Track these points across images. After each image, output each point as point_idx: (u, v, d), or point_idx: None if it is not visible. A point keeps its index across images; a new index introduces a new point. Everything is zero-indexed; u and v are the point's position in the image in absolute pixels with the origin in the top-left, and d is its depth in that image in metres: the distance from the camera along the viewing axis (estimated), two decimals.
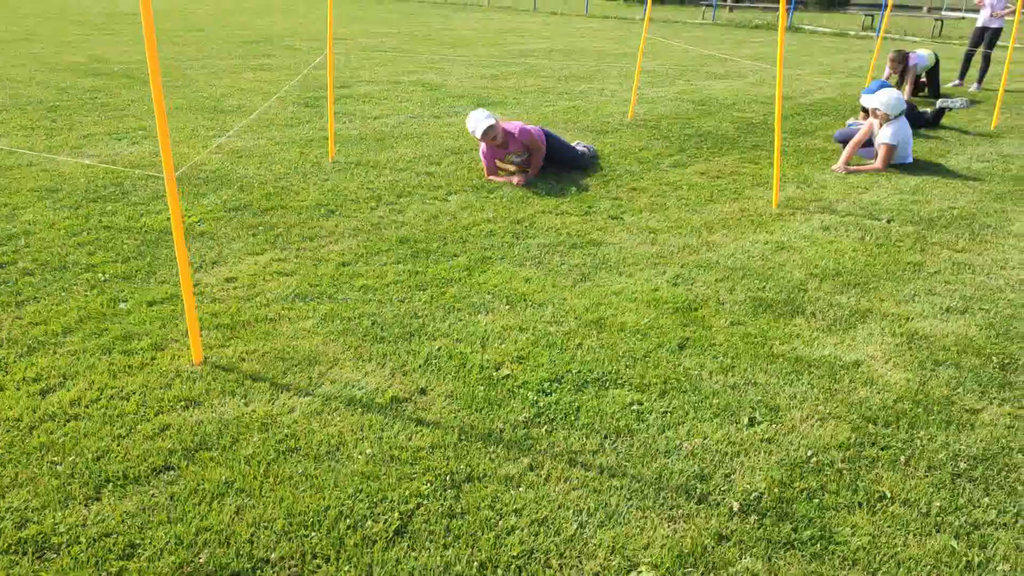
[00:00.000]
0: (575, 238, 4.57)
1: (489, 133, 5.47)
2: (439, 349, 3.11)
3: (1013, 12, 10.26)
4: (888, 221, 5.10)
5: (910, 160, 6.55)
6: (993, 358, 3.22)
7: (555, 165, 6.00)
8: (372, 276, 3.85)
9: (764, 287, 3.92)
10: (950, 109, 8.45)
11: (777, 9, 26.60)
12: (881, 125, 6.42)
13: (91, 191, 5.09)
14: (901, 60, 9.21)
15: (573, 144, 6.23)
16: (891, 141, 6.30)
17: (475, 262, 4.11)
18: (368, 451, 2.42)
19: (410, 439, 2.51)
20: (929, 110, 8.36)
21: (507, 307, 3.56)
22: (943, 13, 26.63)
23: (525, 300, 3.65)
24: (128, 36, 14.96)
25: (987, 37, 10.98)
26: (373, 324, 3.31)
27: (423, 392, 2.80)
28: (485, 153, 5.70)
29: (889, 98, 6.30)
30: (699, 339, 3.30)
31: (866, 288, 3.95)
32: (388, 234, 4.49)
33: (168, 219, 4.60)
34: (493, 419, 2.64)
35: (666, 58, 14.41)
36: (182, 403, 2.67)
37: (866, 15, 23.84)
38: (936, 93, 10.05)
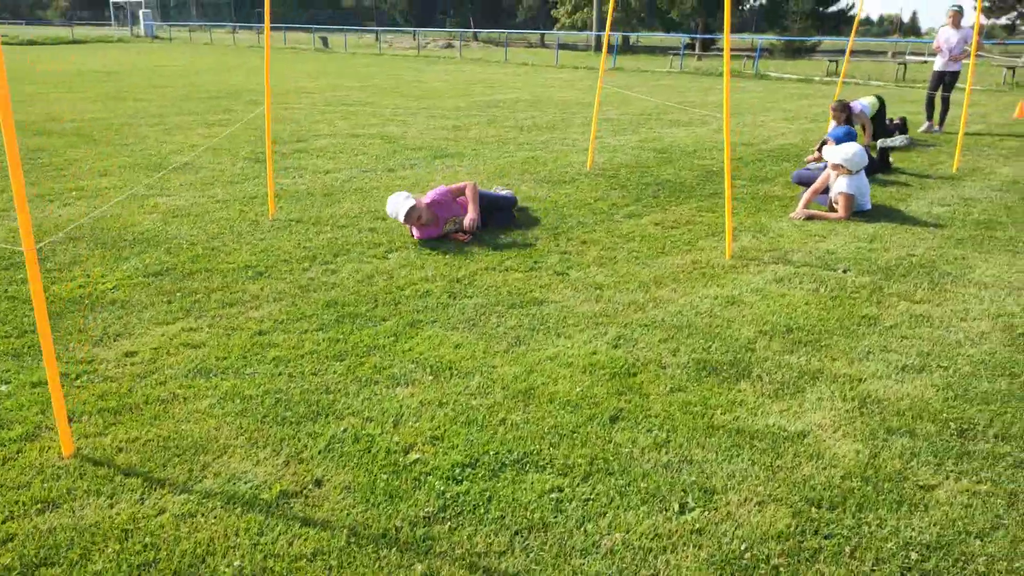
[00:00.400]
0: (516, 296, 4.32)
1: (412, 215, 5.20)
2: (345, 430, 2.82)
3: (968, 56, 10.35)
4: (844, 271, 4.91)
5: (868, 207, 6.41)
6: (950, 423, 2.97)
7: (487, 217, 5.79)
8: (288, 346, 3.56)
9: (710, 347, 3.67)
10: (892, 148, 8.41)
11: (744, 57, 27.07)
12: (838, 176, 6.29)
13: (3, 259, 4.79)
14: (843, 109, 9.13)
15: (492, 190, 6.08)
16: (849, 191, 6.17)
17: (404, 327, 3.84)
18: (237, 563, 2.11)
19: (291, 544, 2.20)
20: (874, 155, 8.28)
21: (430, 378, 3.28)
22: (907, 57, 27.21)
23: (451, 369, 3.37)
24: (91, 93, 14.80)
25: (946, 80, 11.06)
26: (277, 402, 3.02)
27: (318, 484, 2.50)
28: (419, 236, 5.45)
29: (852, 154, 6.17)
30: (634, 410, 3.03)
31: (817, 346, 3.72)
32: (315, 297, 4.22)
33: (81, 287, 4.31)
34: (391, 515, 2.35)
35: (631, 106, 14.43)
36: (38, 506, 2.35)
37: (831, 61, 24.28)
38: (876, 136, 9.97)
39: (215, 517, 2.31)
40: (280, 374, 3.27)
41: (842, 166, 6.17)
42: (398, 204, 5.20)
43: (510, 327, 3.88)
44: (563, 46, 41.41)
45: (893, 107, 15.02)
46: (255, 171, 7.78)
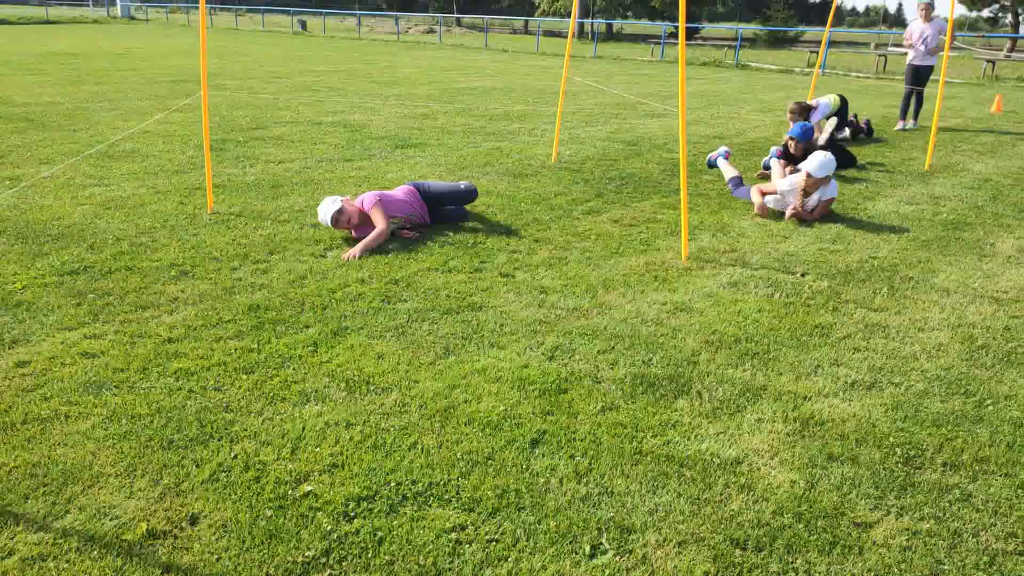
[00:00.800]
0: (454, 301, 4.07)
1: (341, 220, 4.93)
2: (236, 457, 2.57)
3: (942, 48, 10.16)
4: (802, 275, 4.70)
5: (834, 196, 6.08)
6: (896, 449, 2.77)
7: (444, 214, 5.54)
8: (195, 356, 3.30)
9: (651, 360, 3.45)
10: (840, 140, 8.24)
11: (726, 47, 26.83)
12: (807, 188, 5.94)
13: None
14: (802, 112, 8.87)
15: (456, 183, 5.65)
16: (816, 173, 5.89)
17: (327, 334, 3.58)
18: None
19: None
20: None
21: (344, 394, 3.04)
22: (888, 49, 27.09)
23: (368, 384, 3.13)
24: (51, 76, 14.33)
25: (920, 75, 10.84)
26: (167, 423, 2.76)
27: (193, 521, 2.25)
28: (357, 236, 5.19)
29: (820, 163, 5.83)
30: (558, 432, 2.80)
31: (765, 359, 3.50)
32: (238, 300, 3.95)
33: None
34: (266, 560, 2.10)
35: (606, 96, 14.17)
36: None
37: (811, 52, 24.08)
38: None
39: (67, 562, 2.06)
40: (179, 389, 3.01)
41: (811, 175, 5.84)
42: (325, 210, 4.95)
43: (441, 335, 3.64)
44: (548, 32, 41.03)
45: (871, 100, 14.87)
46: (212, 161, 7.46)
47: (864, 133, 9.93)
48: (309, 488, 2.40)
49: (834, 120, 8.67)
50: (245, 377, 3.14)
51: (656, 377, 3.28)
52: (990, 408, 3.10)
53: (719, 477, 2.57)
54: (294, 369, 3.23)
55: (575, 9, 7.94)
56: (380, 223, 4.95)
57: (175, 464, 2.52)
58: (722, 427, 2.90)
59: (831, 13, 11.09)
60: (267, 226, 5.32)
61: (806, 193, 5.92)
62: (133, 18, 48.91)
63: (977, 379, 3.36)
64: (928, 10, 10.46)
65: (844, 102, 9.62)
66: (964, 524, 2.37)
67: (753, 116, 12.15)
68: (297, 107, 11.41)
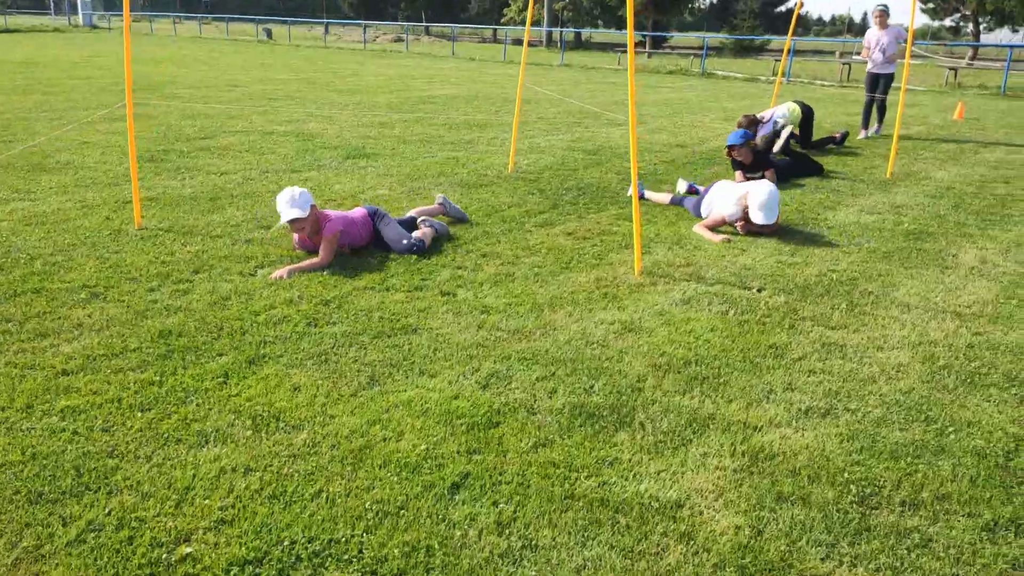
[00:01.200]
0: (387, 323, 3.79)
1: (297, 224, 4.59)
2: (110, 512, 2.26)
3: (901, 56, 10.08)
4: (758, 290, 4.49)
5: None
6: (852, 487, 2.54)
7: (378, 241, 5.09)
8: (89, 391, 2.98)
9: (593, 387, 3.20)
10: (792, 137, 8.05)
11: (692, 55, 26.87)
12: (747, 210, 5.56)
13: None
14: (750, 125, 8.69)
15: (411, 234, 5.05)
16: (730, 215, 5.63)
17: (241, 363, 3.28)
18: None
19: None
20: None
21: (249, 433, 2.74)
22: (853, 58, 27.31)
23: (279, 420, 2.83)
24: (1, 86, 13.83)
25: (881, 83, 10.73)
26: (41, 472, 2.45)
27: None
28: (298, 248, 4.86)
29: (764, 212, 5.42)
30: (483, 474, 2.53)
31: (715, 383, 3.27)
32: (149, 326, 3.64)
33: None
34: None
35: (571, 104, 13.98)
36: None
37: (776, 60, 24.16)
38: (807, 144, 9.41)
39: None
40: (62, 430, 2.69)
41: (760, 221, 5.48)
42: (286, 203, 4.52)
43: (368, 363, 3.35)
44: (517, 41, 40.94)
45: (835, 108, 14.84)
46: (144, 172, 7.10)
47: (836, 143, 9.76)
48: (188, 550, 2.11)
49: (789, 128, 8.52)
50: (140, 415, 2.83)
51: (597, 407, 3.02)
52: (952, 437, 2.88)
53: (657, 524, 2.31)
54: (197, 405, 2.92)
55: (530, 15, 7.71)
56: (325, 257, 4.57)
57: (39, 522, 2.21)
58: (664, 464, 2.64)
59: (792, 21, 11.02)
60: (196, 242, 5.00)
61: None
62: (95, 27, 48.01)
63: (939, 403, 3.15)
64: (883, 17, 10.36)
65: (808, 111, 9.40)
66: (924, 575, 2.14)
67: (716, 124, 12.03)
68: (250, 116, 11.07)
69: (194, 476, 2.46)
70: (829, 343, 3.75)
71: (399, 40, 40.00)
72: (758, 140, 8.33)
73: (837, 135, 9.82)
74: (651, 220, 6.06)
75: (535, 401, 3.06)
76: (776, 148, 8.14)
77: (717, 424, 2.92)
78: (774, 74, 22.97)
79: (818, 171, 7.82)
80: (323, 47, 34.68)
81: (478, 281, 4.48)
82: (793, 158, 7.91)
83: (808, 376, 3.37)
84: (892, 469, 2.65)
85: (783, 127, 8.60)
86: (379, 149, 8.77)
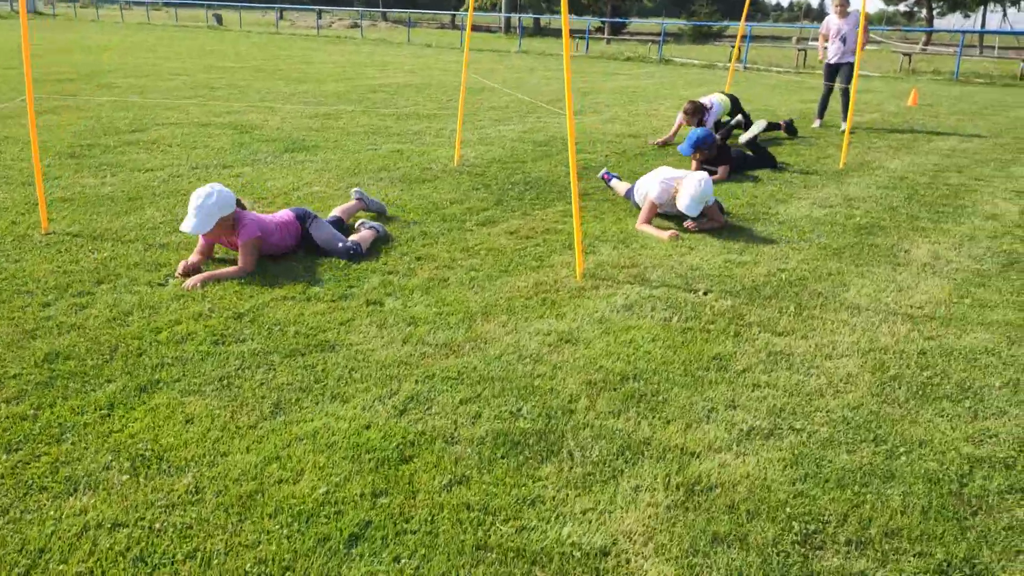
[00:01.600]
0: (303, 338, 3.48)
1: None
2: None
3: (866, 43, 9.91)
4: (704, 293, 4.26)
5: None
6: (794, 524, 2.32)
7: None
8: None
9: (520, 409, 2.94)
10: (755, 137, 7.79)
11: (650, 42, 26.69)
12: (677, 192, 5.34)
13: None
14: (696, 112, 8.48)
15: (347, 239, 4.69)
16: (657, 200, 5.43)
17: (131, 391, 2.95)
18: None
19: None
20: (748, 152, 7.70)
21: (127, 477, 2.43)
22: (809, 43, 27.38)
23: (162, 461, 2.52)
24: None
25: (843, 72, 10.44)
26: None
27: None
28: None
29: (687, 203, 5.17)
30: (387, 522, 2.26)
31: (653, 402, 3.03)
32: (35, 347, 3.28)
33: None
34: None
35: (527, 90, 13.68)
36: None
37: (732, 47, 24.09)
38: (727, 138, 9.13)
39: None
40: None
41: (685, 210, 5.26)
42: (197, 206, 4.12)
43: (275, 387, 3.05)
44: (477, 27, 40.38)
45: (789, 96, 14.76)
46: (63, 169, 6.66)
47: (786, 132, 9.56)
48: None
49: (763, 122, 8.28)
50: (5, 458, 2.50)
51: (523, 434, 2.76)
52: (903, 459, 2.68)
53: None
54: (73, 443, 2.60)
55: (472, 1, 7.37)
56: (245, 264, 4.23)
57: None
58: (592, 501, 2.39)
59: (745, 7, 10.84)
60: (106, 248, 4.62)
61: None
62: (39, 13, 46.29)
63: (889, 420, 2.95)
64: (844, 5, 10.19)
65: (735, 103, 9.20)
66: None
67: (671, 113, 11.82)
68: (188, 107, 10.58)
69: (52, 534, 2.14)
70: (776, 352, 3.53)
71: (355, 26, 39.20)
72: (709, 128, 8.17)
73: (781, 123, 9.56)
74: (599, 216, 5.82)
75: (455, 428, 2.79)
76: (743, 140, 7.92)
77: (652, 451, 2.68)
78: (731, 60, 22.93)
79: (771, 163, 7.64)
80: (275, 33, 33.83)
81: (409, 288, 4.19)
82: (754, 150, 7.70)
83: (752, 391, 3.15)
84: (838, 500, 2.44)
85: (755, 123, 8.29)
86: (320, 142, 8.39)
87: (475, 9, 43.12)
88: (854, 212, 6.08)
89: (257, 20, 42.55)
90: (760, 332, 3.76)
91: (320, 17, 37.72)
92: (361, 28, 33.34)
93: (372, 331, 3.62)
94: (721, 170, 7.07)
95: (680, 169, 5.71)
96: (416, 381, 3.13)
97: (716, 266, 4.72)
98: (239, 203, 4.33)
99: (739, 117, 8.72)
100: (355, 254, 4.58)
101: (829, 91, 10.57)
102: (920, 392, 3.19)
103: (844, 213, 6.04)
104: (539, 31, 40.57)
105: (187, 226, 4.14)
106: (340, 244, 4.59)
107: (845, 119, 10.10)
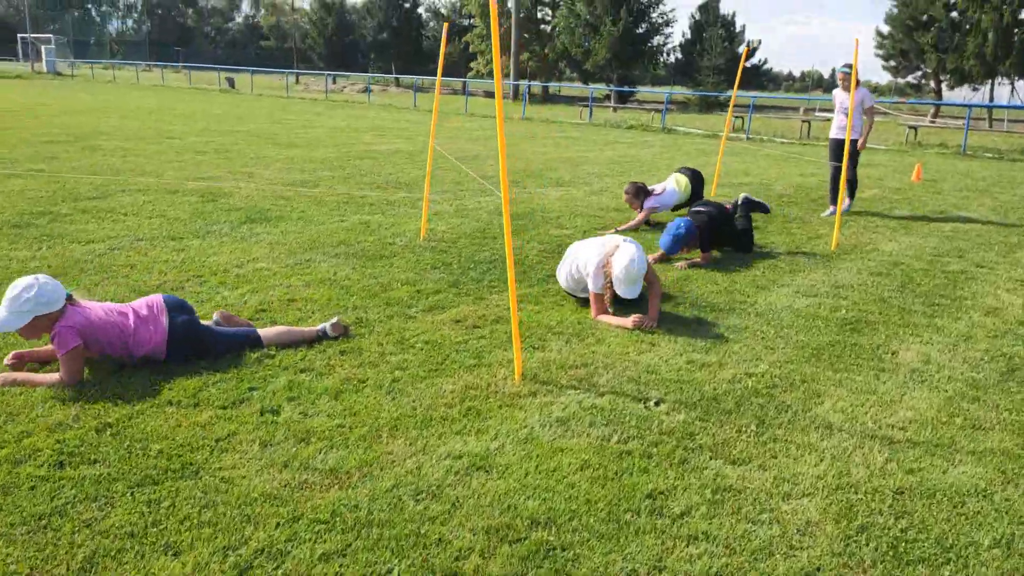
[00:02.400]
0: (164, 460, 2.96)
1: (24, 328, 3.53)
2: None
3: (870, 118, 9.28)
4: (656, 403, 3.72)
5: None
6: None
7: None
8: None
9: (391, 571, 2.38)
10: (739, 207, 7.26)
11: (654, 111, 26.63)
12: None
13: None
14: (637, 194, 7.99)
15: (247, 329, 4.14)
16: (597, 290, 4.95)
17: None
18: None
19: None
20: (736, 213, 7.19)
21: None
22: (816, 114, 27.29)
23: None
24: None
25: (841, 149, 9.39)
26: None
27: None
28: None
29: (626, 289, 4.79)
30: None
31: (561, 560, 2.47)
32: None
33: None
34: None
35: (519, 160, 13.39)
36: None
37: (736, 117, 23.99)
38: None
39: None
40: None
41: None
42: (9, 301, 3.50)
43: (101, 530, 2.51)
44: (488, 93, 40.93)
45: (789, 168, 14.36)
46: (6, 240, 6.28)
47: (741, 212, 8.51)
48: None
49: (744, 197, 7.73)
50: None
51: None
52: None
53: None
54: None
55: (441, 63, 7.06)
56: (66, 377, 3.53)
57: None
58: None
59: (737, 78, 10.54)
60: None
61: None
62: (59, 73, 47.45)
63: None
64: (845, 79, 9.51)
65: (695, 177, 8.41)
66: None
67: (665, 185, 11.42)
68: (164, 171, 10.31)
69: None
70: (725, 487, 2.97)
71: (367, 91, 39.76)
72: (644, 212, 7.83)
73: (728, 205, 8.20)
74: (560, 303, 5.33)
75: None
76: (741, 199, 7.40)
77: None
78: (734, 130, 22.74)
79: (748, 246, 7.01)
80: (285, 97, 34.25)
81: (317, 391, 3.68)
82: (729, 232, 7.03)
83: (687, 545, 2.59)
84: None
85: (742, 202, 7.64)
86: (287, 212, 8.02)
87: (480, 75, 43.74)
88: (840, 303, 5.55)
89: (270, 83, 43.30)
90: (711, 459, 3.20)
91: (334, 82, 38.27)
92: (370, 93, 33.69)
93: (252, 450, 3.09)
94: (704, 256, 6.59)
95: (598, 239, 5.19)
96: (277, 525, 2.59)
97: (676, 368, 4.18)
98: (70, 298, 3.66)
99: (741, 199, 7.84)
100: (255, 341, 4.10)
101: (836, 171, 9.34)
102: (891, 551, 2.61)
103: (829, 304, 5.51)
104: (548, 98, 40.98)
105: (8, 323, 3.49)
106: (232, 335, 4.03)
107: (851, 200, 9.40)
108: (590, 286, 4.97)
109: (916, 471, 3.16)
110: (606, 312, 4.96)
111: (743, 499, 2.90)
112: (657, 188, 8.15)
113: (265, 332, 4.22)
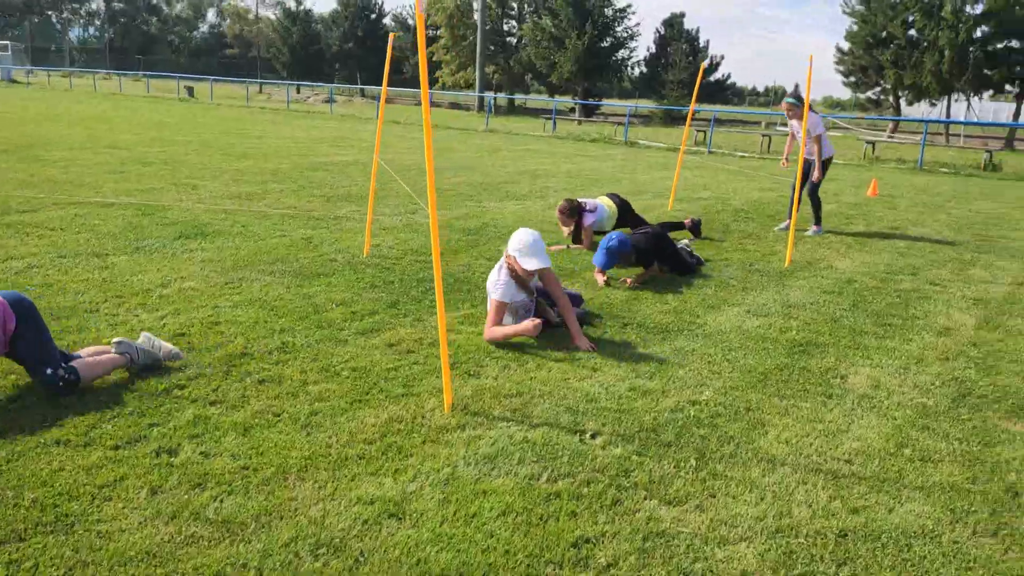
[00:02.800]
0: (36, 512, 2.66)
1: None
2: None
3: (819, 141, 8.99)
4: (592, 437, 3.49)
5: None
6: None
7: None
8: None
9: None
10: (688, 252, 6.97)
11: (618, 124, 26.67)
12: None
13: None
14: (572, 212, 7.72)
15: (62, 363, 3.56)
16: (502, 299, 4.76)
17: None
18: None
19: None
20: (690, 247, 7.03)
21: None
22: (777, 128, 27.52)
23: None
24: None
25: (806, 172, 9.01)
26: None
27: None
28: None
29: (526, 249, 4.72)
30: None
31: None
32: None
33: None
34: None
35: (479, 173, 13.17)
36: None
37: (698, 131, 24.06)
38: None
39: None
40: None
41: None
42: None
43: None
44: (454, 104, 40.75)
45: (746, 183, 14.30)
46: None
47: (691, 232, 8.29)
48: None
49: (687, 241, 7.46)
50: None
51: None
52: None
53: None
54: None
55: (386, 72, 6.81)
56: None
57: None
58: None
59: (696, 83, 10.46)
60: None
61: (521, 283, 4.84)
62: (14, 81, 46.27)
63: None
64: (791, 109, 9.25)
65: (623, 205, 8.18)
66: None
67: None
68: (104, 183, 9.90)
69: None
70: (658, 532, 2.74)
71: (330, 101, 39.34)
72: (585, 232, 7.56)
73: (687, 221, 8.34)
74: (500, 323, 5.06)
75: None
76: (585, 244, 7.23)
77: None
78: (697, 144, 22.80)
79: (692, 268, 6.73)
80: (245, 107, 33.70)
81: (225, 427, 3.39)
82: (671, 256, 6.71)
83: None
84: None
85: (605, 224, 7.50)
86: (226, 226, 7.69)
87: (448, 87, 43.58)
88: (791, 324, 5.39)
89: (231, 93, 42.62)
90: (646, 498, 2.97)
91: (298, 91, 37.79)
92: (332, 103, 33.30)
93: (140, 498, 2.79)
94: (651, 270, 6.40)
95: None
96: None
97: (616, 396, 3.96)
98: None
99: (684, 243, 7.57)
100: (65, 385, 3.49)
101: (813, 191, 9.07)
102: None
103: (779, 325, 5.35)
104: (513, 110, 40.90)
105: None
106: (48, 370, 3.47)
107: (819, 223, 9.18)
108: (495, 296, 4.77)
109: (861, 510, 2.97)
110: (499, 324, 4.75)
111: (676, 546, 2.67)
112: (589, 204, 7.85)
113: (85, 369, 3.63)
